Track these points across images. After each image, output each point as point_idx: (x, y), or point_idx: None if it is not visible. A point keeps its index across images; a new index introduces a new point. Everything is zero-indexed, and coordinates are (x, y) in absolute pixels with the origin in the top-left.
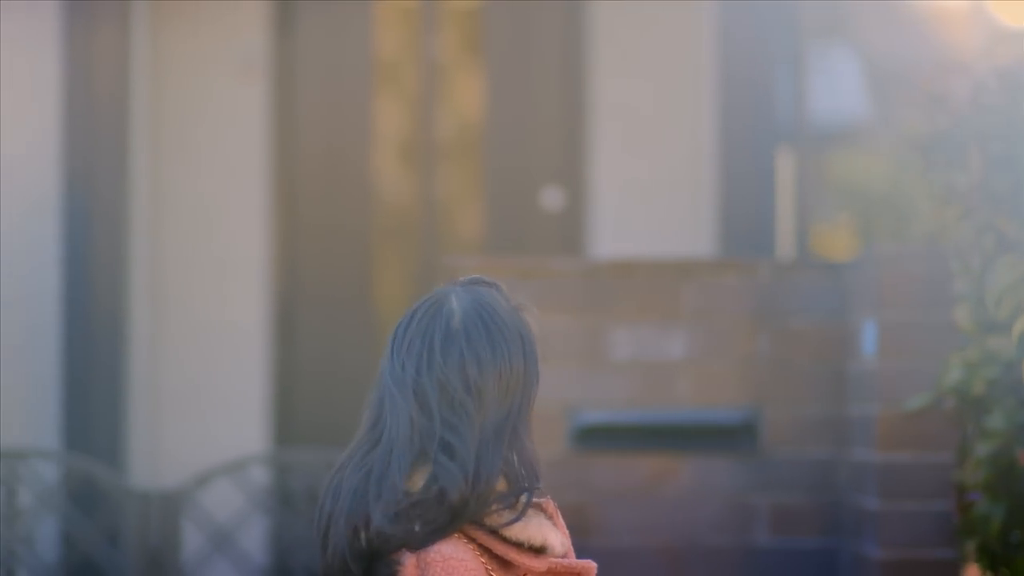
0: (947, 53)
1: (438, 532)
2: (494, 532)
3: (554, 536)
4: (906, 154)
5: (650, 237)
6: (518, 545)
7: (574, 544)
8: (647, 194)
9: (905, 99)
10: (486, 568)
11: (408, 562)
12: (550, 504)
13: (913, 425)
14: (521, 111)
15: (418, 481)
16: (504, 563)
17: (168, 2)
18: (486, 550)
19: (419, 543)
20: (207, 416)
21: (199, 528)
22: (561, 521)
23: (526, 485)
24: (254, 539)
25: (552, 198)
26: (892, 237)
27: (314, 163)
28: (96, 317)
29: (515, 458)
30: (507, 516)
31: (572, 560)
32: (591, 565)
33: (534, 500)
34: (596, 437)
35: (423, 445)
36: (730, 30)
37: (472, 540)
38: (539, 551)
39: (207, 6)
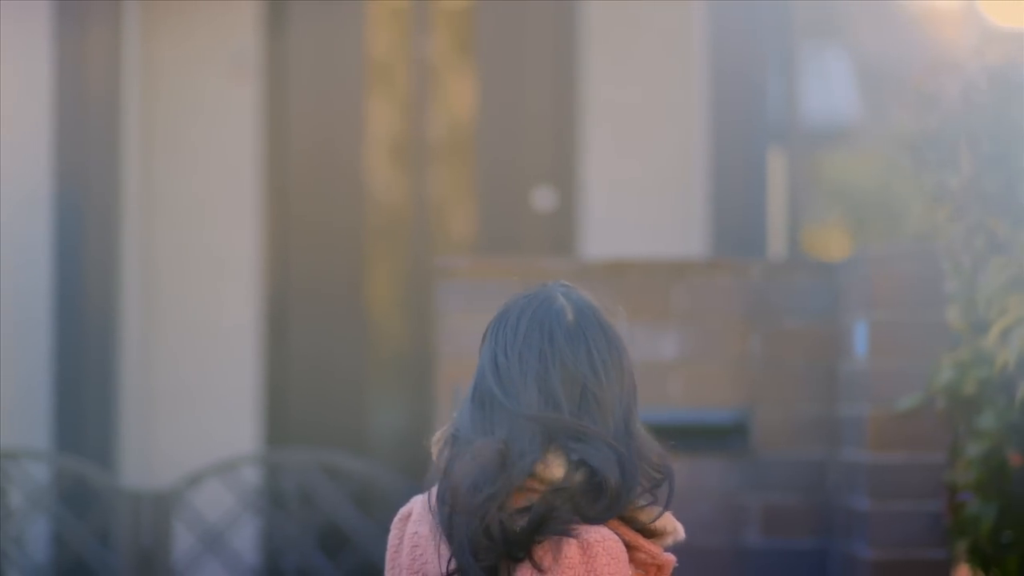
0: (938, 53)
1: (597, 519)
2: (625, 519)
3: (679, 524)
4: (897, 154)
5: (642, 237)
6: (650, 532)
7: None
8: (639, 194)
9: (896, 99)
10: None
11: (570, 548)
12: None
13: (904, 425)
14: (513, 111)
15: (555, 470)
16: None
17: (160, 2)
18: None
19: (573, 530)
20: (199, 416)
21: (190, 528)
22: None
23: (659, 476)
24: (245, 539)
25: (543, 198)
26: (883, 237)
27: (306, 163)
28: (87, 316)
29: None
30: (645, 502)
31: (659, 552)
32: (672, 559)
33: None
34: None
35: (552, 435)
36: (721, 30)
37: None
38: (666, 536)
39: (199, 6)
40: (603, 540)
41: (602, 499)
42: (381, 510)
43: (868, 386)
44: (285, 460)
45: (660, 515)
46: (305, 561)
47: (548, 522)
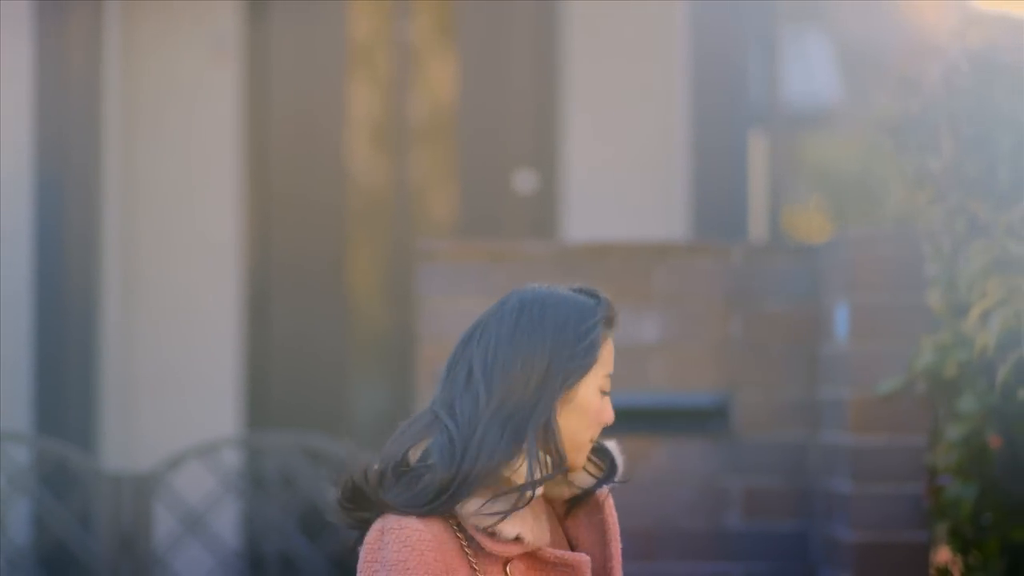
0: (919, 36)
1: (417, 507)
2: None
3: (528, 530)
4: (878, 137)
5: (623, 220)
6: (491, 534)
7: None
8: (620, 177)
9: (877, 82)
10: (463, 546)
11: (374, 527)
12: (606, 499)
13: (885, 408)
14: (494, 94)
15: (413, 454)
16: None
17: None
18: (467, 532)
19: (396, 512)
20: (179, 398)
21: (171, 511)
22: (607, 515)
23: (528, 481)
24: (226, 522)
25: (525, 181)
26: (864, 220)
27: (287, 145)
28: (68, 299)
29: (543, 452)
30: (484, 506)
31: (564, 552)
32: (584, 559)
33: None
34: None
35: (435, 415)
36: (703, 14)
37: (453, 518)
38: (515, 541)
39: None
40: (400, 528)
41: (427, 487)
42: None
43: (849, 369)
44: (266, 443)
45: (497, 522)
46: (286, 544)
47: (358, 500)
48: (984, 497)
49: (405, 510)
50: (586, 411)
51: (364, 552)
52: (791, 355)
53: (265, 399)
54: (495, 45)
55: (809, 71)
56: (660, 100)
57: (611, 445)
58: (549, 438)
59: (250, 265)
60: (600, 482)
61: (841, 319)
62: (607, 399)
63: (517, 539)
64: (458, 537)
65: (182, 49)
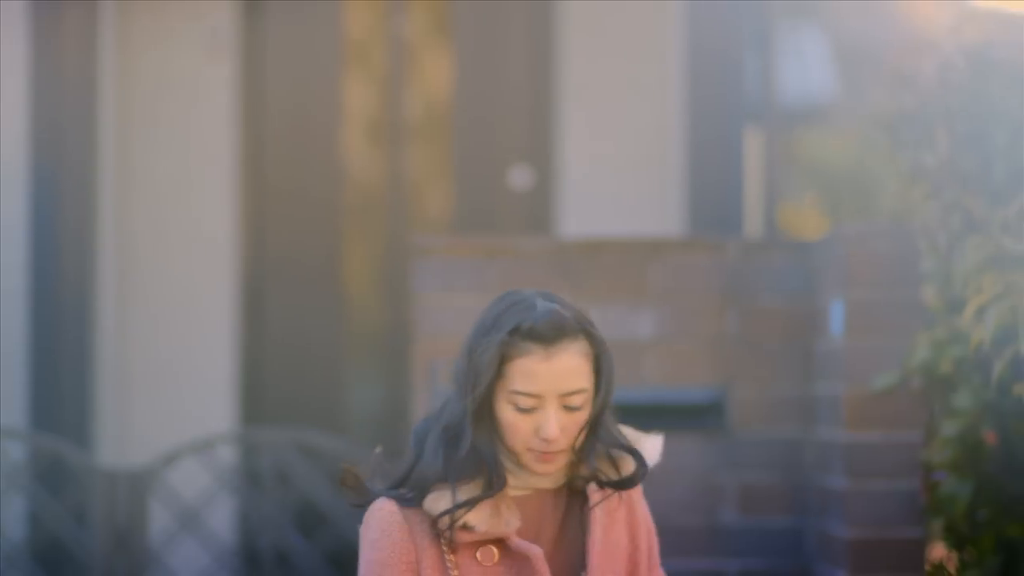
0: (915, 32)
1: (390, 492)
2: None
3: (482, 520)
4: (873, 133)
5: (618, 216)
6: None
7: None
8: (615, 173)
9: (873, 78)
10: (436, 533)
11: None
12: (596, 495)
13: (880, 404)
14: (489, 90)
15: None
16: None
17: None
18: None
19: (379, 495)
20: (175, 394)
21: (166, 507)
22: (592, 513)
23: (458, 475)
24: (221, 518)
25: (520, 177)
26: (859, 216)
27: (283, 141)
28: (64, 294)
29: (487, 447)
30: (429, 499)
31: (520, 541)
32: (534, 550)
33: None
34: None
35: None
36: (698, 9)
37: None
38: (463, 529)
39: None
40: (379, 509)
41: (394, 476)
42: None
43: (844, 365)
44: (261, 439)
45: (441, 515)
46: (281, 540)
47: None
48: (979, 493)
49: (386, 494)
50: (502, 425)
51: (361, 526)
52: (786, 351)
53: (260, 395)
54: (491, 41)
55: (805, 67)
56: (656, 96)
57: (648, 443)
58: (469, 446)
59: (245, 261)
60: (605, 484)
61: (836, 315)
62: (538, 415)
63: (465, 527)
64: (434, 524)
65: (178, 45)
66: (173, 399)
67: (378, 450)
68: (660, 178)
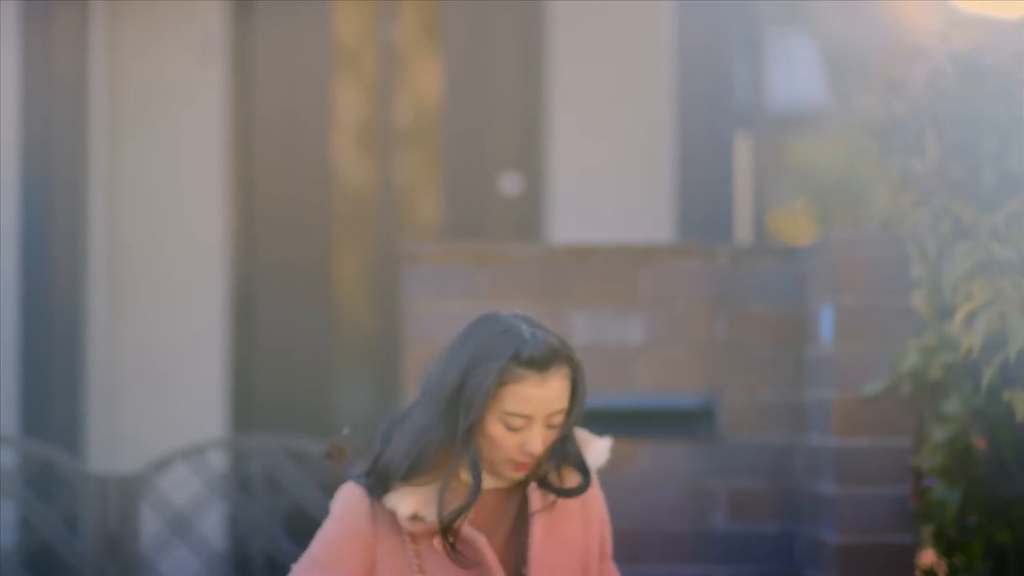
0: (904, 39)
1: (359, 477)
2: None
3: (430, 511)
4: (863, 139)
5: (608, 222)
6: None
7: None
8: (605, 180)
9: (862, 85)
10: (392, 521)
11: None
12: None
13: (870, 410)
14: (480, 97)
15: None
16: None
17: None
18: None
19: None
20: (165, 400)
21: (157, 513)
22: (538, 518)
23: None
24: (212, 524)
25: (510, 183)
26: (849, 222)
27: (273, 147)
28: (53, 300)
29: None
30: (390, 496)
31: (465, 527)
32: (475, 536)
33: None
34: None
35: None
36: (688, 16)
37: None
38: (414, 519)
39: None
40: (349, 489)
41: (368, 467)
42: None
43: (834, 371)
44: (252, 445)
45: (393, 504)
46: (272, 545)
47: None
48: (969, 499)
49: (357, 481)
50: (489, 439)
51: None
52: (776, 357)
53: (250, 400)
54: (481, 48)
55: (794, 73)
56: (645, 103)
57: (598, 445)
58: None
59: (236, 267)
60: (551, 490)
61: (826, 321)
62: (524, 432)
63: (415, 517)
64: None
65: (168, 50)
66: (164, 405)
67: (345, 431)
68: (650, 184)
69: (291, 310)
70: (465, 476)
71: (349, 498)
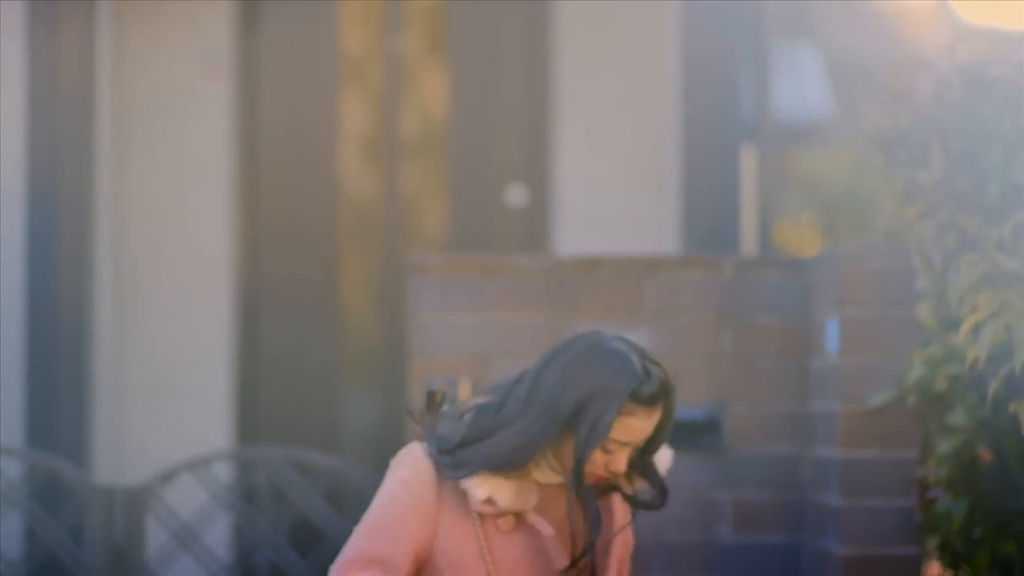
0: (910, 50)
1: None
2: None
3: (504, 497)
4: (868, 151)
5: (614, 234)
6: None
7: None
8: (611, 191)
9: (868, 97)
10: (460, 497)
11: (409, 446)
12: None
13: (875, 422)
14: (485, 108)
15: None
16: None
17: None
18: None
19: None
20: (171, 411)
21: (163, 525)
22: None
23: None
24: (218, 536)
25: (516, 195)
26: (854, 234)
27: (279, 159)
28: (60, 312)
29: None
30: (468, 481)
31: (533, 516)
32: (543, 525)
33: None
34: None
35: None
36: (694, 28)
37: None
38: (487, 502)
39: (171, 4)
40: (416, 455)
41: (441, 443)
42: (353, 506)
43: (839, 383)
44: (258, 456)
45: (472, 487)
46: (278, 557)
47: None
48: (974, 511)
49: (431, 454)
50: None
51: (393, 460)
52: (782, 369)
53: (256, 411)
54: (486, 60)
55: (800, 85)
56: (651, 114)
57: (662, 457)
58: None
59: (242, 278)
60: (634, 504)
61: (832, 333)
62: (618, 453)
63: (488, 501)
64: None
65: (174, 61)
66: (170, 416)
67: (438, 388)
68: (656, 196)
69: (297, 322)
70: (537, 474)
71: (419, 468)
